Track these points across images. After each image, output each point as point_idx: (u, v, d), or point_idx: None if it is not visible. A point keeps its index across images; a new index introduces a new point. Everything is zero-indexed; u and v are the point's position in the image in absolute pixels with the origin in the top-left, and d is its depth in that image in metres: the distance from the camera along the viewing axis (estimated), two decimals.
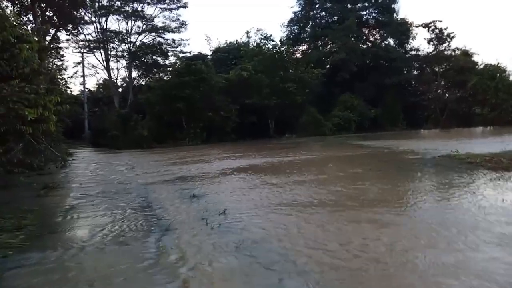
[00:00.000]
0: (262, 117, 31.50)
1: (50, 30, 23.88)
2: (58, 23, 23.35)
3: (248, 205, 6.75)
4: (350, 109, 33.86)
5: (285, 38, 36.06)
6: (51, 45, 24.07)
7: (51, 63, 21.34)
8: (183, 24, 44.02)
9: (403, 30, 38.27)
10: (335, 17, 39.87)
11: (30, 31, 11.81)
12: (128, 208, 6.97)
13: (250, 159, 14.84)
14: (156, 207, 6.97)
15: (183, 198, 7.71)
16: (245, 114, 29.78)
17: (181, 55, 40.67)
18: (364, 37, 40.15)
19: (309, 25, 41.16)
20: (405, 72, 39.56)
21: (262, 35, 32.31)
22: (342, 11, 37.95)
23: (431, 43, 39.21)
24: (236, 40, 39.00)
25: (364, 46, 38.73)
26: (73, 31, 31.09)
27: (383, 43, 41.00)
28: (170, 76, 29.05)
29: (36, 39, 11.47)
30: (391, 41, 41.43)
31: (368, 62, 37.68)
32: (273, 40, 32.26)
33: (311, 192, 7.60)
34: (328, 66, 36.11)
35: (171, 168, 12.99)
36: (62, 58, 32.52)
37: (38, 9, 18.52)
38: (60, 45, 30.96)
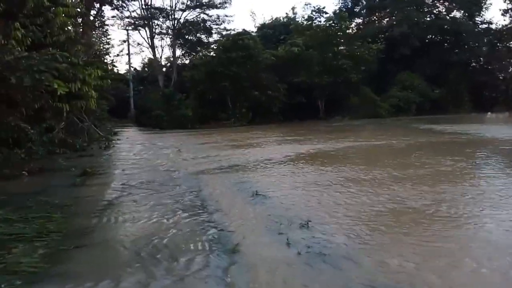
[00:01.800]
0: (311, 97, 29.26)
1: (95, 3, 22.95)
2: None
3: (336, 212, 4.96)
4: (410, 89, 30.59)
5: (337, 12, 32.90)
6: (96, 19, 23.21)
7: (95, 37, 20.45)
8: None
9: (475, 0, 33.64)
10: None
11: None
12: (178, 208, 5.45)
13: (308, 144, 12.99)
14: (213, 209, 5.38)
15: (243, 197, 6.09)
16: (292, 93, 27.74)
17: (224, 32, 39.13)
18: (427, 9, 35.91)
19: None
20: (474, 48, 35.09)
21: (314, 8, 29.58)
22: None
23: (507, 14, 34.27)
24: (286, 14, 36.40)
25: (428, 19, 34.62)
26: (117, 6, 30.15)
27: (447, 16, 36.57)
28: (215, 53, 27.38)
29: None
30: (457, 14, 36.90)
31: (431, 36, 33.72)
32: (326, 13, 29.47)
33: (425, 195, 5.62)
34: (384, 41, 32.64)
35: (221, 153, 11.47)
36: (107, 34, 32.12)
37: None
38: (105, 21, 30.39)
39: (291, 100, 27.28)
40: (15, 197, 6.34)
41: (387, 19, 34.46)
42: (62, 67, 6.23)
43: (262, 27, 41.38)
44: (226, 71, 24.38)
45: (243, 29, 38.02)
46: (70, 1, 9.09)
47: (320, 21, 29.39)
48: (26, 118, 8.44)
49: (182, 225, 4.69)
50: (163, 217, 5.01)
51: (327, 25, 27.63)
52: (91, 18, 22.63)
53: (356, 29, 34.45)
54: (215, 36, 42.65)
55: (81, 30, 14.71)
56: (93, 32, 20.75)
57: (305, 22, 29.86)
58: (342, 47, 28.55)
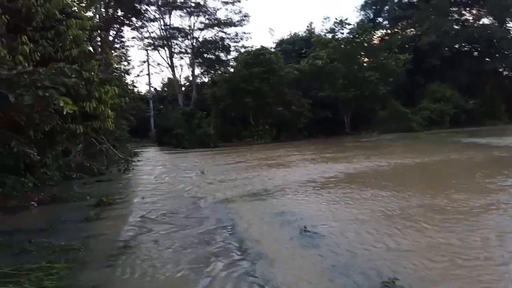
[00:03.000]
0: (336, 111, 27.96)
1: (114, 24, 22.69)
2: (122, 16, 22.04)
3: (440, 263, 3.63)
4: (442, 100, 28.84)
5: (360, 23, 31.76)
6: (115, 39, 22.93)
7: (114, 56, 20.01)
8: (245, 16, 42.10)
9: (508, 4, 31.79)
10: None
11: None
12: (209, 254, 4.27)
13: (345, 162, 11.69)
14: (255, 255, 4.16)
15: (289, 234, 4.86)
16: (317, 108, 26.54)
17: (242, 49, 38.66)
18: (454, 17, 34.35)
19: (386, 7, 36.43)
20: (508, 56, 33.11)
21: (336, 20, 28.55)
22: None
23: None
24: (307, 28, 35.61)
25: (457, 27, 33.03)
26: (137, 26, 30.10)
27: (476, 23, 34.86)
28: (237, 69, 26.56)
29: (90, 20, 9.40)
30: (485, 21, 35.14)
31: (461, 45, 32.05)
32: (348, 24, 28.41)
33: None
34: (411, 52, 31.13)
35: (250, 175, 10.32)
36: (127, 55, 32.06)
37: None
38: (124, 42, 30.35)
39: (316, 115, 26.06)
40: (16, 235, 5.35)
41: (412, 29, 33.05)
42: (70, 82, 5.26)
43: (281, 43, 40.77)
44: (248, 87, 23.50)
45: (261, 46, 37.68)
46: (84, 14, 8.28)
47: (343, 33, 28.37)
48: (37, 141, 7.56)
49: (218, 281, 3.51)
50: (192, 268, 3.85)
51: (351, 36, 26.42)
52: (110, 38, 22.37)
53: (379, 40, 33.14)
54: (233, 54, 42.47)
55: (99, 47, 14.12)
56: (113, 51, 20.34)
57: (327, 35, 28.85)
58: (367, 59, 27.28)
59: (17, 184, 7.44)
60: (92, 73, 8.19)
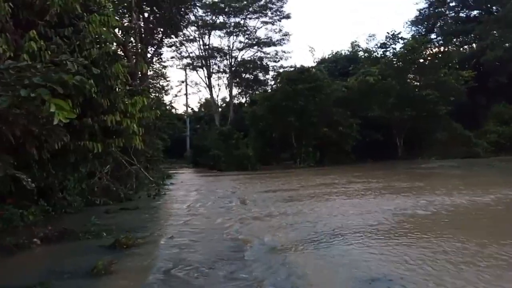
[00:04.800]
0: (388, 133, 25.34)
1: (153, 41, 21.93)
2: (161, 32, 21.26)
3: None
4: (510, 123, 25.40)
5: (414, 36, 29.19)
6: (154, 56, 22.13)
7: (149, 71, 19.01)
8: (286, 35, 41.06)
9: None
10: (474, 11, 31.77)
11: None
12: None
13: (418, 195, 9.34)
14: None
15: None
16: (366, 129, 24.11)
17: (281, 70, 37.27)
18: None
19: (439, 23, 33.74)
20: None
21: (388, 33, 26.25)
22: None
23: None
24: (351, 44, 33.67)
25: None
26: (176, 44, 29.59)
27: None
28: (279, 85, 24.81)
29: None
30: None
31: None
32: (402, 39, 26.05)
33: None
34: (472, 69, 27.99)
35: (303, 209, 8.29)
36: (166, 76, 31.53)
37: (138, 12, 16.18)
38: (164, 61, 29.88)
39: (365, 137, 23.60)
40: None
41: (472, 44, 30.00)
42: (72, 80, 3.62)
43: (322, 62, 39.00)
44: (291, 105, 21.62)
45: (301, 65, 36.21)
46: (111, 12, 6.86)
47: (395, 48, 26.00)
48: (42, 163, 6.07)
49: None
50: None
51: (405, 51, 23.96)
52: (149, 55, 21.60)
53: (431, 58, 30.31)
54: (272, 74, 41.56)
55: (133, 57, 12.95)
56: (150, 67, 19.39)
57: (377, 50, 26.66)
58: (422, 77, 24.63)
59: (15, 216, 5.88)
60: (117, 80, 6.66)
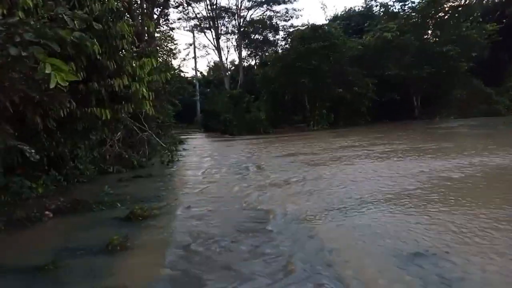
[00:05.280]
0: (404, 93, 24.32)
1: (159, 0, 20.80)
2: None
3: None
4: None
5: None
6: (161, 17, 21.09)
7: (156, 31, 18.15)
8: None
9: None
10: None
11: None
12: None
13: (447, 157, 8.81)
14: None
15: None
16: (382, 89, 23.13)
17: (291, 30, 35.61)
18: None
19: None
20: None
21: None
22: None
23: None
24: (367, 2, 31.76)
25: None
26: (182, 4, 28.24)
27: None
28: (291, 45, 23.64)
29: None
30: None
31: None
32: None
33: None
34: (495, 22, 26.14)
35: (325, 174, 7.87)
36: (173, 38, 30.40)
37: None
38: (171, 22, 28.69)
39: (380, 97, 22.68)
40: None
41: None
42: (68, 34, 3.10)
43: (335, 19, 37.11)
44: (304, 65, 20.65)
45: (313, 23, 34.54)
46: None
47: (414, 2, 24.27)
48: (49, 132, 5.69)
49: None
50: None
51: (426, 3, 22.28)
52: (155, 16, 20.59)
53: (453, 9, 28.36)
54: (282, 34, 39.89)
55: (139, 18, 12.20)
56: (157, 28, 18.49)
57: (395, 4, 25.01)
58: (443, 31, 23.07)
59: (24, 188, 5.58)
60: (123, 40, 6.09)
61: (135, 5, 11.70)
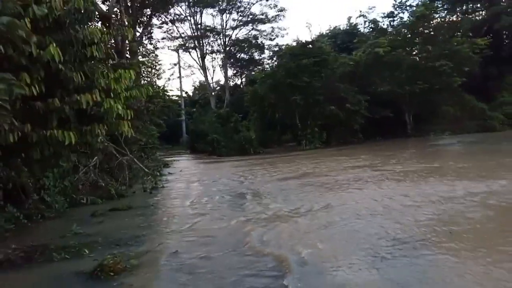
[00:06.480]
0: (396, 109, 23.72)
1: (141, 18, 19.90)
2: (150, 8, 19.22)
3: None
4: None
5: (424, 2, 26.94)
6: (144, 35, 20.12)
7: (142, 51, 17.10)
8: (281, 10, 38.93)
9: None
10: None
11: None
12: None
13: (477, 178, 7.83)
14: None
15: None
16: (374, 106, 22.45)
17: (277, 49, 35.40)
18: None
19: None
20: None
21: (395, 2, 24.25)
22: None
23: None
24: (348, 20, 31.78)
25: None
26: (167, 22, 27.45)
27: None
28: (282, 61, 22.79)
29: None
30: None
31: None
32: (410, 6, 24.08)
33: None
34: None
35: (334, 201, 6.74)
36: (157, 59, 29.37)
37: None
38: (155, 43, 27.79)
39: (373, 114, 21.96)
40: None
41: (482, 11, 28.02)
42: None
43: (320, 37, 37.17)
44: (295, 82, 19.81)
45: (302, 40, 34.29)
46: None
47: (403, 18, 24.05)
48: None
49: None
50: None
51: (415, 19, 21.92)
52: (138, 33, 19.60)
53: (442, 25, 28.30)
54: (267, 53, 39.88)
55: (120, 39, 11.10)
56: (141, 45, 17.44)
57: (383, 20, 24.70)
58: (434, 46, 22.71)
59: None
60: (93, 46, 4.96)
61: (114, 16, 10.62)
